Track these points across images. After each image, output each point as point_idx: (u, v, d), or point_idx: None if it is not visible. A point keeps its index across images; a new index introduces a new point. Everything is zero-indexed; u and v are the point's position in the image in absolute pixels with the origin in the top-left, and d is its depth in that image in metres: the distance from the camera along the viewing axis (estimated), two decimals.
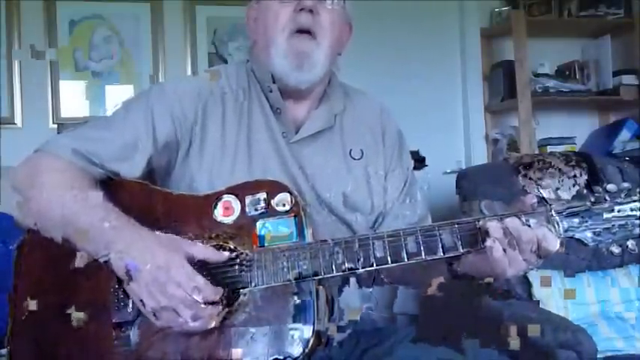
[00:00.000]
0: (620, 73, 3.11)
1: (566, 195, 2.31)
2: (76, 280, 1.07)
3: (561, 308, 2.10)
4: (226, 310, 1.00)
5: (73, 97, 2.83)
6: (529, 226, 0.95)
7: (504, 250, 0.95)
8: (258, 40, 1.23)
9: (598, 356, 1.90)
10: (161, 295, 0.97)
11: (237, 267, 1.03)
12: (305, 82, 1.19)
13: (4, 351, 1.08)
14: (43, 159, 1.12)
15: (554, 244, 0.94)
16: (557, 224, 0.96)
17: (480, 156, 3.18)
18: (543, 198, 0.99)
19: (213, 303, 0.99)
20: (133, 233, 1.02)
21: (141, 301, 1.00)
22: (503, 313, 2.06)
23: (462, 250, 0.98)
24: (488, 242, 0.95)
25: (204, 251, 1.02)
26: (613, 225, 0.95)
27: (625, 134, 3.08)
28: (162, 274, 0.98)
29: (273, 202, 1.05)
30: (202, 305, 0.98)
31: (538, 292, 2.14)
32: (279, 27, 1.16)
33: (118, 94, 2.82)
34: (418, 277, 1.21)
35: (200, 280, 0.99)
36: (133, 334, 1.02)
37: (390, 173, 1.28)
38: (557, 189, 2.32)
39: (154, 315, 1.00)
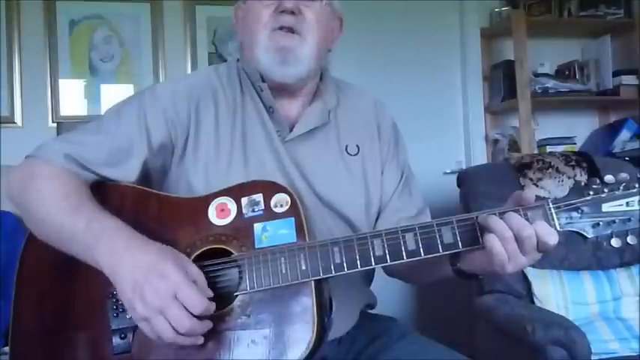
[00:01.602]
0: (620, 73, 3.10)
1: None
2: (75, 283, 1.06)
3: (562, 308, 2.10)
4: (219, 313, 0.97)
5: (73, 97, 2.83)
6: (527, 220, 0.94)
7: (504, 246, 0.94)
8: (244, 40, 1.22)
9: (599, 357, 1.90)
10: (141, 303, 0.93)
11: (235, 269, 1.01)
12: (290, 77, 1.17)
13: (7, 349, 1.07)
14: (36, 165, 1.09)
15: (553, 239, 0.93)
16: (556, 217, 0.95)
17: (480, 156, 3.18)
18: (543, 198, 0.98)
19: (200, 317, 0.93)
20: (125, 237, 0.99)
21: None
22: (496, 310, 2.06)
23: (461, 247, 0.97)
24: (487, 237, 0.94)
25: (197, 273, 0.97)
26: (612, 217, 0.94)
27: (625, 134, 3.08)
28: (142, 281, 0.93)
29: (270, 202, 1.03)
30: (185, 318, 0.92)
31: (538, 291, 2.14)
32: (260, 26, 1.15)
33: (117, 94, 2.82)
34: (422, 274, 1.21)
35: (185, 293, 0.92)
36: (132, 339, 1.01)
37: (386, 167, 1.28)
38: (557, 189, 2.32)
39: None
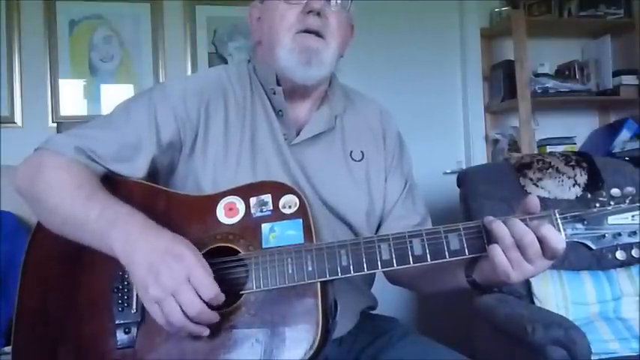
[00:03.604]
0: (620, 73, 3.11)
1: (566, 195, 2.33)
2: (80, 277, 1.06)
3: (562, 308, 2.10)
4: (225, 311, 0.97)
5: (73, 97, 2.83)
6: (530, 227, 0.94)
7: (505, 253, 0.94)
8: (262, 40, 1.22)
9: (599, 357, 1.90)
10: (155, 283, 0.92)
11: (242, 268, 1.01)
12: (312, 79, 1.17)
13: (8, 349, 1.07)
14: (45, 157, 1.09)
15: (559, 244, 0.93)
16: (562, 228, 0.95)
17: (480, 156, 3.18)
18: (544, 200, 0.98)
19: (211, 306, 0.94)
20: (140, 223, 0.99)
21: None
22: (496, 310, 2.06)
23: (467, 254, 0.97)
24: (490, 247, 0.94)
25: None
26: (617, 230, 0.95)
27: (625, 134, 3.08)
28: (157, 262, 0.93)
29: (278, 203, 1.04)
30: (197, 301, 0.92)
31: (538, 291, 2.14)
32: (285, 27, 1.15)
33: (117, 94, 2.82)
34: (432, 282, 1.19)
35: (198, 275, 0.93)
36: (136, 334, 1.01)
37: (390, 175, 1.28)
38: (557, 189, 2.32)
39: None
